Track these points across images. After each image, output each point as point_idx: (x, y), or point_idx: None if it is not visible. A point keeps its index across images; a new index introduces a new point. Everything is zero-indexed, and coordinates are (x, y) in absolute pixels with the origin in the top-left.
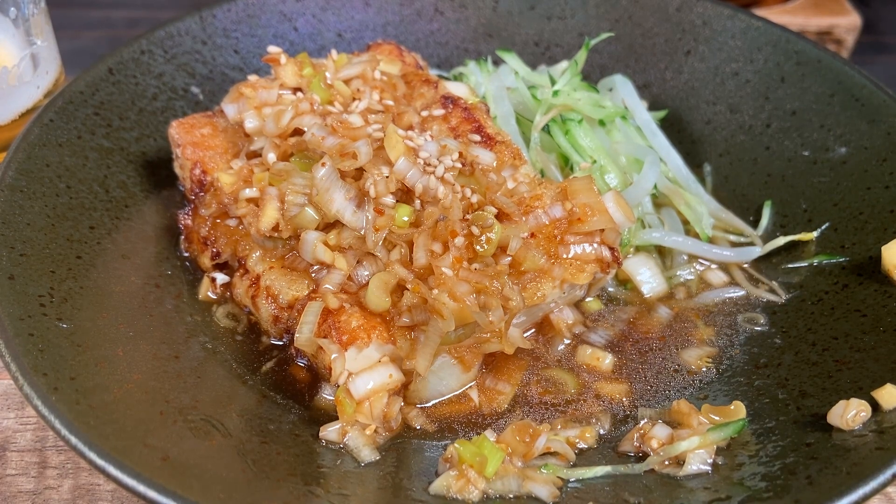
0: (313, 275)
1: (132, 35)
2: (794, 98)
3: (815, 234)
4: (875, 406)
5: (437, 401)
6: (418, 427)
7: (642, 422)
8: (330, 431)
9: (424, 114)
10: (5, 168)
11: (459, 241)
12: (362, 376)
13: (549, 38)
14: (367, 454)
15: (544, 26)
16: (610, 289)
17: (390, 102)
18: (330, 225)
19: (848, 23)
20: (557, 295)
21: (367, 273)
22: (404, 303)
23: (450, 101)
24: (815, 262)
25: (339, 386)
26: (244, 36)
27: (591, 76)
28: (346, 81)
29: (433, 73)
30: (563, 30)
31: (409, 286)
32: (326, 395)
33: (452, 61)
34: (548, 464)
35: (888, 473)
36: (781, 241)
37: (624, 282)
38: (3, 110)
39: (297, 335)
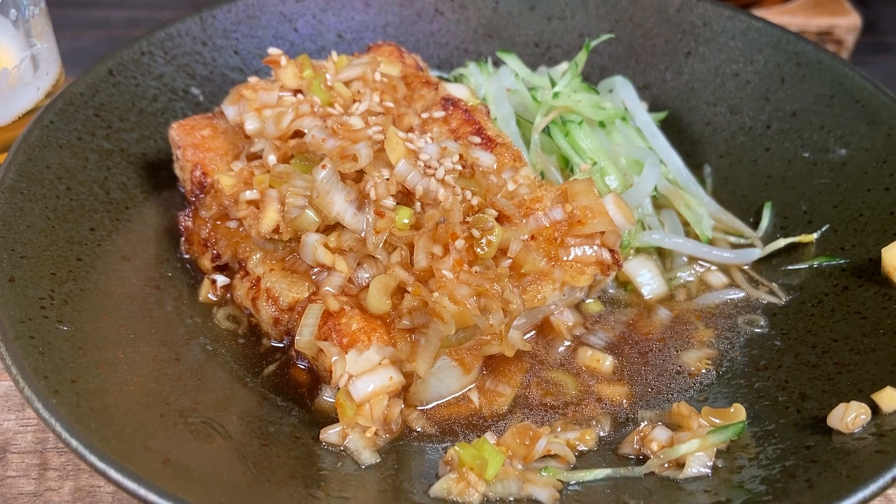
0: (314, 277)
1: (132, 35)
2: (795, 99)
3: (815, 235)
4: (875, 409)
5: (437, 403)
6: (419, 429)
7: (642, 424)
8: (330, 434)
9: (425, 116)
10: (6, 170)
11: (460, 243)
12: (363, 379)
13: (549, 39)
14: (368, 457)
15: (544, 27)
16: (610, 290)
17: (390, 104)
18: (330, 227)
19: (848, 23)
20: (557, 297)
21: (367, 275)
22: (405, 305)
23: (450, 102)
24: (815, 263)
25: (339, 388)
26: (244, 37)
27: (592, 77)
28: (347, 83)
29: (433, 73)
30: (563, 30)
31: (409, 289)
32: (327, 397)
33: (452, 62)
34: (548, 466)
35: (888, 476)
36: (781, 242)
37: (624, 283)
38: (3, 112)
39: (297, 337)
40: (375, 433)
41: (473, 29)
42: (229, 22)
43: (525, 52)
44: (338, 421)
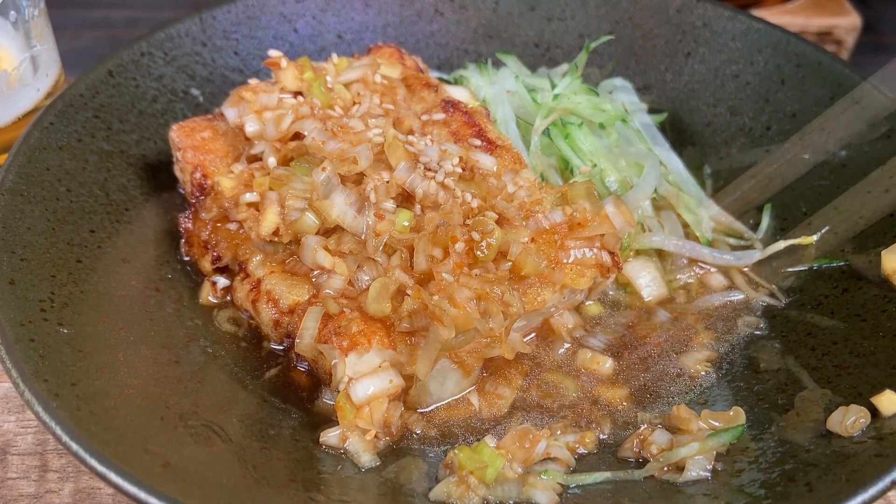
0: (314, 280)
1: (132, 35)
2: (795, 100)
3: (814, 237)
4: (874, 412)
5: (437, 405)
6: (419, 432)
7: (642, 427)
8: (330, 437)
9: (425, 118)
10: (5, 172)
11: (460, 246)
12: (362, 382)
13: (549, 40)
14: (368, 459)
15: (544, 27)
16: (610, 292)
17: (391, 106)
18: (331, 230)
19: (848, 23)
20: (557, 299)
21: (367, 278)
22: (405, 308)
23: (450, 105)
24: (815, 265)
25: (339, 391)
26: (244, 38)
27: (591, 78)
28: (347, 85)
29: (433, 74)
30: (563, 31)
31: (409, 292)
32: (327, 399)
33: (452, 62)
34: (548, 469)
35: (887, 480)
36: (781, 244)
37: (624, 285)
38: (2, 113)
39: (297, 340)
40: (375, 436)
41: (473, 29)
42: (229, 23)
43: (525, 52)
44: (338, 423)
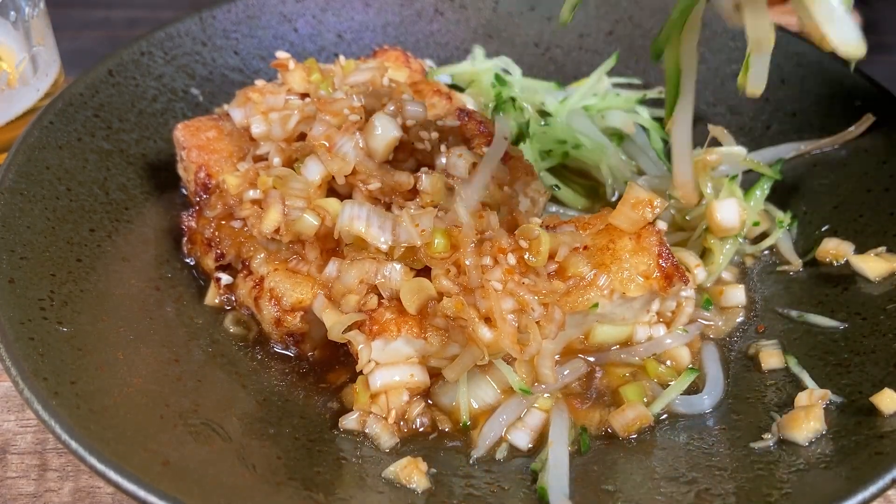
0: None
1: (132, 35)
2: (794, 100)
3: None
4: (874, 411)
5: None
6: (446, 429)
7: None
8: (349, 420)
9: (439, 124)
10: (5, 171)
11: (511, 258)
12: (381, 371)
13: (549, 40)
14: (387, 441)
15: (544, 27)
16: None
17: None
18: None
19: None
20: (608, 306)
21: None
22: (441, 308)
23: (465, 113)
24: (814, 265)
25: (360, 374)
26: (244, 37)
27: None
28: (354, 88)
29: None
30: (563, 31)
31: (450, 303)
32: (329, 404)
33: (452, 62)
34: None
35: (887, 478)
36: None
37: None
38: (2, 113)
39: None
40: (396, 426)
41: (473, 29)
42: (229, 22)
43: (525, 52)
44: (336, 426)
